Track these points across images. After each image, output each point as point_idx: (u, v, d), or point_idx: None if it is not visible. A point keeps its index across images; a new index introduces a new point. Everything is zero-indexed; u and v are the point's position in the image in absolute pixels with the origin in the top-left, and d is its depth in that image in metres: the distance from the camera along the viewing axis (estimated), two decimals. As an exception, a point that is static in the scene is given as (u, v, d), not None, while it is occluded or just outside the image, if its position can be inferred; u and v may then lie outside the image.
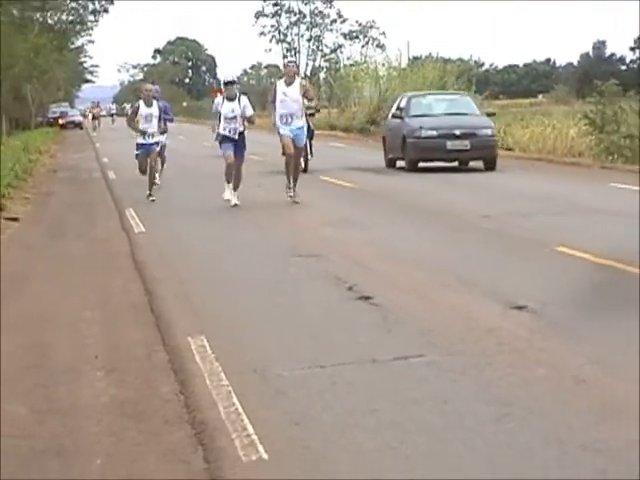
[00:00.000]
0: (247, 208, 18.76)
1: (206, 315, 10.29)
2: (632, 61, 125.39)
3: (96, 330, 9.92)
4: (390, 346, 8.53)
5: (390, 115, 32.48)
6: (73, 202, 24.20)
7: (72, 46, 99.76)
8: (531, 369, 7.70)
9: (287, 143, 20.26)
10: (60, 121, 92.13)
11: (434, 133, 28.28)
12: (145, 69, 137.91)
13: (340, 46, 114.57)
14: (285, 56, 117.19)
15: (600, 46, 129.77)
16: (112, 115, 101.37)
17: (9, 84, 64.73)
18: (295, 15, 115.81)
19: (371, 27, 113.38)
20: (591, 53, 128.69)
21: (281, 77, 22.08)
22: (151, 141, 22.40)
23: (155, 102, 22.62)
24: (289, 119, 19.88)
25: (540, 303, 9.92)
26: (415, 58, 57.42)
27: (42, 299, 11.75)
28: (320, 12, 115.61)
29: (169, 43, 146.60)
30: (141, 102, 22.44)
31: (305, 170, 21.82)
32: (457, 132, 28.15)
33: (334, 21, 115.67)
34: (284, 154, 20.49)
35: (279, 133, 20.37)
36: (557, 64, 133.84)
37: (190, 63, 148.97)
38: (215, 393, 7.34)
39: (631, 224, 15.84)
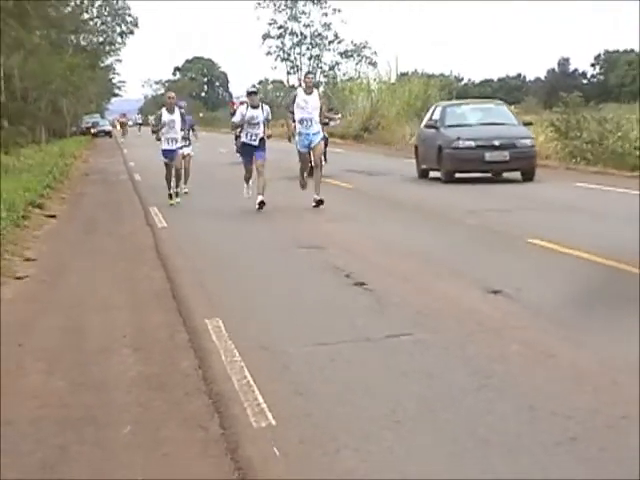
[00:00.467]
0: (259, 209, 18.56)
1: (221, 300, 10.28)
2: (592, 76, 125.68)
3: (124, 314, 9.92)
4: (382, 326, 8.52)
5: (423, 125, 28.16)
6: (104, 201, 24.18)
7: (102, 64, 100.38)
8: (506, 345, 7.69)
9: (304, 160, 19.61)
10: (92, 130, 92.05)
11: (472, 144, 24.14)
12: (166, 84, 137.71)
13: (337, 63, 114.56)
14: (289, 72, 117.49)
15: (564, 62, 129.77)
16: (138, 125, 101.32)
17: (48, 98, 64.80)
18: (297, 37, 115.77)
19: (364, 47, 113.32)
20: (556, 69, 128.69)
21: (299, 86, 21.76)
22: (175, 147, 21.42)
23: (177, 109, 21.48)
24: (308, 123, 19.06)
25: (514, 288, 9.92)
26: (403, 74, 57.28)
27: (78, 287, 11.75)
28: (319, 34, 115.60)
29: (187, 61, 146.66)
30: (163, 109, 21.46)
31: (310, 174, 20.05)
32: (496, 143, 24.04)
33: (332, 42, 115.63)
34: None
35: (298, 152, 19.52)
36: (527, 79, 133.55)
37: (205, 79, 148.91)
38: (229, 368, 7.34)
39: (593, 218, 15.88)
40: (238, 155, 32.51)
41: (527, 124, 27.10)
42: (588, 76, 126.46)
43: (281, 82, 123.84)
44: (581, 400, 6.19)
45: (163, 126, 21.13)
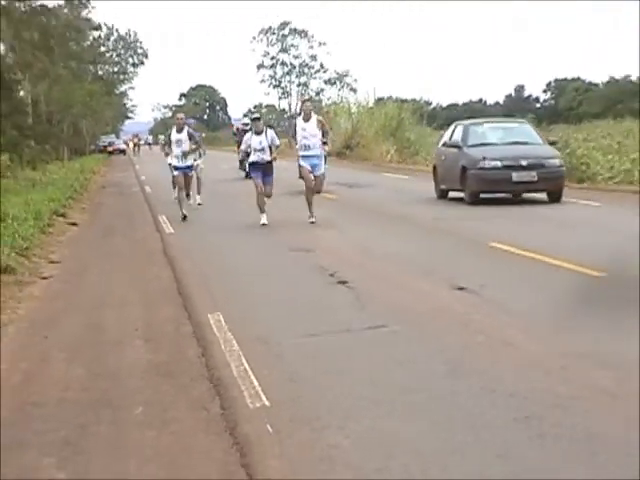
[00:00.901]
0: (256, 218, 18.39)
1: (221, 297, 10.26)
2: (544, 100, 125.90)
3: (137, 309, 9.90)
4: (363, 319, 8.51)
5: (441, 144, 24.13)
6: (119, 210, 24.16)
7: (117, 91, 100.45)
8: (471, 335, 7.69)
9: (307, 176, 17.68)
10: (108, 149, 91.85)
11: (498, 164, 20.51)
12: (173, 108, 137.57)
13: (322, 90, 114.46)
14: (280, 98, 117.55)
15: (520, 89, 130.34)
16: (149, 144, 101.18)
17: (69, 121, 64.88)
18: (287, 67, 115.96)
19: (346, 75, 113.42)
20: (513, 94, 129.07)
21: (299, 115, 19.19)
22: (186, 164, 20.02)
23: (185, 129, 19.96)
24: (308, 149, 17.46)
25: (478, 285, 9.92)
26: (379, 99, 57.19)
27: (96, 286, 11.73)
28: (307, 64, 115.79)
29: (192, 88, 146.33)
30: (173, 129, 20.13)
31: (319, 191, 18.36)
32: (523, 163, 20.40)
33: (317, 71, 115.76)
34: (301, 177, 19.06)
35: (300, 166, 17.77)
36: (487, 103, 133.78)
37: (207, 104, 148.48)
38: (228, 356, 7.33)
39: (546, 224, 15.90)
40: (242, 171, 32.62)
41: (552, 143, 23.19)
42: (541, 101, 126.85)
43: (273, 106, 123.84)
44: (535, 383, 6.20)
45: (171, 144, 19.97)
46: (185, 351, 7.72)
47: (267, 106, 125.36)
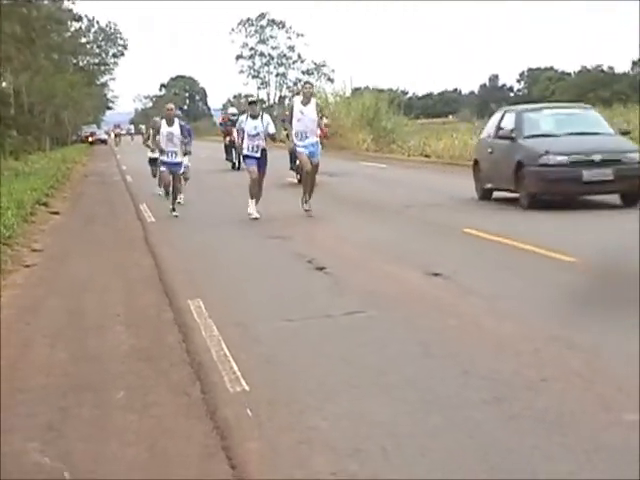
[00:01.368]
0: (237, 207, 18.27)
1: (201, 283, 10.27)
2: (518, 90, 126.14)
3: (118, 295, 9.89)
4: (340, 304, 8.53)
5: (487, 134, 19.26)
6: (100, 199, 24.05)
7: (98, 82, 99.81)
8: (444, 319, 7.73)
9: (304, 160, 16.69)
10: (90, 139, 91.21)
11: (565, 159, 15.94)
12: (154, 99, 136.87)
13: (300, 80, 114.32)
14: (259, 88, 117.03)
15: (494, 78, 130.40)
16: (131, 134, 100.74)
17: (51, 111, 64.50)
18: (266, 58, 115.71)
19: (323, 66, 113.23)
20: (487, 84, 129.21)
21: (297, 94, 18.13)
22: (174, 160, 18.05)
23: (177, 121, 18.12)
24: (304, 136, 16.29)
25: (451, 271, 9.96)
26: (356, 89, 57.05)
27: (78, 273, 11.69)
28: (285, 55, 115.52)
29: (171, 79, 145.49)
30: (163, 121, 18.15)
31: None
32: (596, 158, 15.93)
33: (295, 61, 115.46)
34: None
35: (296, 151, 16.96)
36: (462, 92, 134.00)
37: (187, 94, 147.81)
38: (209, 341, 7.34)
39: (518, 211, 15.93)
40: (226, 162, 32.37)
41: (624, 133, 18.36)
42: (514, 90, 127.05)
43: (252, 96, 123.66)
44: (505, 365, 6.24)
45: (160, 139, 18.01)
46: (166, 336, 7.72)
47: (246, 96, 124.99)
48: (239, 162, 30.06)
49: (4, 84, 46.08)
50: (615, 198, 16.22)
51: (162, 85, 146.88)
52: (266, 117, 16.99)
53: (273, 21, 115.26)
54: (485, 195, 18.23)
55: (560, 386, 5.75)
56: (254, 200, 16.45)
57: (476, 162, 19.11)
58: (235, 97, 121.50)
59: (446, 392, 5.72)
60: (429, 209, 16.79)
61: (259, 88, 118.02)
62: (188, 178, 21.13)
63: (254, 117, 16.62)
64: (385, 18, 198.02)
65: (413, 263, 10.77)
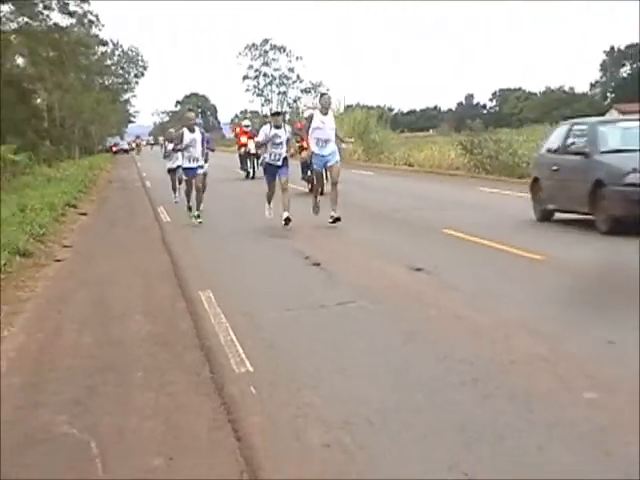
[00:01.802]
0: (243, 211, 18.32)
1: (211, 277, 10.24)
2: (490, 107, 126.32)
3: (138, 288, 9.86)
4: (333, 296, 8.51)
5: (548, 149, 15.07)
6: (123, 202, 24.03)
7: (121, 99, 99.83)
8: (426, 310, 7.71)
9: (318, 177, 16.18)
10: (114, 149, 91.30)
11: None
12: (170, 114, 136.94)
13: (299, 98, 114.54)
14: (263, 105, 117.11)
15: (469, 97, 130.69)
16: (151, 144, 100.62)
17: (80, 125, 64.57)
18: (269, 78, 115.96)
19: (319, 85, 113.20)
20: (464, 102, 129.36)
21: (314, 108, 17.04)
22: (196, 165, 17.12)
23: (197, 128, 17.26)
24: (324, 144, 15.23)
25: (432, 266, 9.95)
26: (348, 106, 56.99)
27: (103, 267, 11.66)
28: (286, 76, 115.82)
29: (186, 96, 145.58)
30: (185, 129, 17.10)
31: (322, 192, 16.69)
32: None
33: (295, 81, 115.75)
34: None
35: (313, 163, 15.92)
36: (442, 109, 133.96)
37: (200, 110, 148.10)
38: (217, 328, 7.32)
39: (492, 214, 15.93)
40: (241, 172, 32.14)
41: None
42: (487, 107, 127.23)
43: (256, 112, 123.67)
44: (481, 350, 6.22)
45: (186, 146, 16.97)
46: (179, 324, 7.70)
47: (251, 112, 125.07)
48: (254, 171, 30.11)
49: (39, 101, 46.10)
50: None
51: (177, 102, 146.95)
52: (288, 128, 16.24)
53: (275, 46, 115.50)
54: (545, 216, 14.57)
55: (527, 368, 5.73)
56: (270, 205, 15.79)
57: (535, 180, 15.20)
58: (242, 112, 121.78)
59: (428, 374, 5.71)
60: (412, 212, 16.77)
61: (263, 105, 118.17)
62: (205, 186, 19.51)
63: (277, 127, 15.56)
64: (375, 41, 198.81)
65: (398, 259, 10.75)
